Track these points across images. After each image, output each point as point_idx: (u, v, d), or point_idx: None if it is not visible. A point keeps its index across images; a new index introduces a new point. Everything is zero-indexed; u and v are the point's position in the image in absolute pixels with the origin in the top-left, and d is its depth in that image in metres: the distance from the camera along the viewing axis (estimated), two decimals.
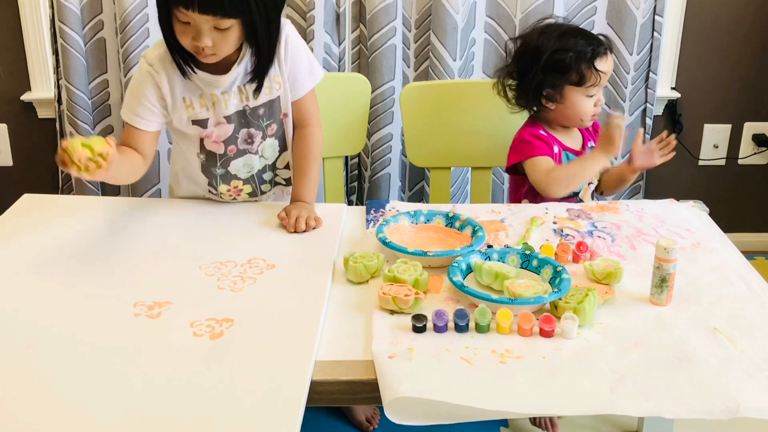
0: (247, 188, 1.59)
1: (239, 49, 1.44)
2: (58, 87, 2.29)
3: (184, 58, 1.43)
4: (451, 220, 1.46)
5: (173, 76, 1.45)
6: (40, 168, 2.51)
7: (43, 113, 2.45)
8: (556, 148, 1.72)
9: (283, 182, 1.63)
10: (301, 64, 1.52)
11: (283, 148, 1.59)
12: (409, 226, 1.47)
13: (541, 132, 1.73)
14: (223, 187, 1.58)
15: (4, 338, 1.11)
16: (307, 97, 1.56)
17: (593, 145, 1.77)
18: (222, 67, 1.45)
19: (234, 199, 1.61)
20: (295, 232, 1.45)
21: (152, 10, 2.19)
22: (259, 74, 1.46)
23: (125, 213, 1.54)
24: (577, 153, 1.75)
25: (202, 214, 1.54)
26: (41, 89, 2.42)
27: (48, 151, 2.46)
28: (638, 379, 1.03)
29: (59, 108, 2.32)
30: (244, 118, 1.50)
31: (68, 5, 2.16)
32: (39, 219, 1.50)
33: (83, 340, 1.11)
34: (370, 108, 2.19)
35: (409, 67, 2.31)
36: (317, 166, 1.58)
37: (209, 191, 1.61)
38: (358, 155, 2.39)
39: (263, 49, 1.43)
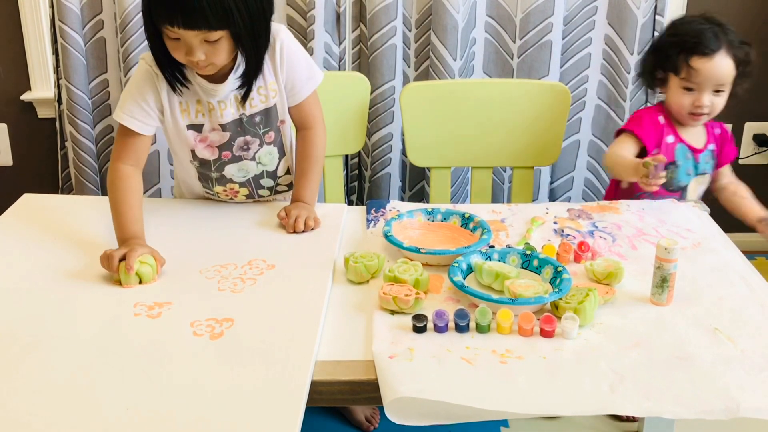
0: (244, 191, 1.59)
1: (234, 59, 1.43)
2: (58, 87, 2.29)
3: (178, 70, 1.42)
4: (466, 221, 1.46)
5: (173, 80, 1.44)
6: (40, 168, 2.51)
7: (43, 113, 2.45)
8: (670, 138, 1.67)
9: (285, 188, 1.63)
10: (299, 69, 1.51)
11: (282, 154, 1.58)
12: (424, 223, 1.47)
13: (659, 117, 1.69)
14: (218, 188, 1.58)
15: (4, 338, 1.11)
16: (308, 100, 1.55)
17: (714, 147, 1.73)
18: (219, 77, 1.45)
19: (231, 199, 1.61)
20: (294, 232, 1.45)
21: None
22: (247, 81, 1.45)
23: None
24: (693, 149, 1.70)
25: (202, 215, 1.54)
26: (41, 89, 2.41)
27: (48, 151, 2.46)
28: (638, 379, 1.03)
29: (59, 108, 2.32)
30: (240, 126, 1.50)
31: (68, 5, 2.16)
32: (39, 219, 1.50)
33: (83, 339, 1.11)
34: (371, 108, 2.20)
35: (409, 66, 2.31)
36: (319, 167, 1.58)
37: (206, 192, 1.61)
38: (358, 155, 2.39)
39: (250, 58, 1.42)
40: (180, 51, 1.35)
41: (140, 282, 1.27)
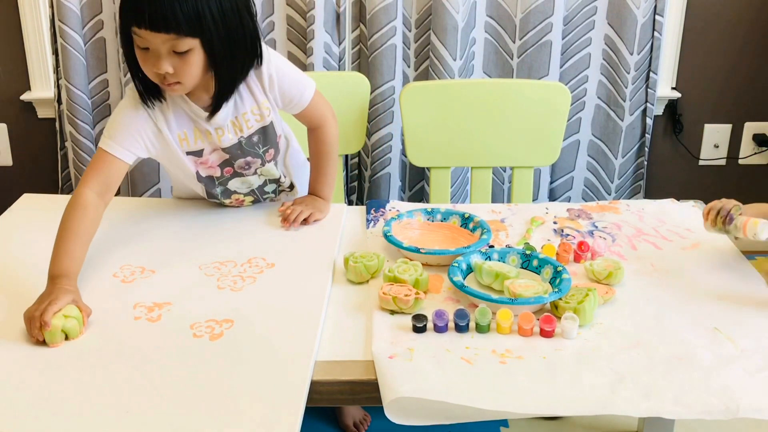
0: (249, 198, 1.57)
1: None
2: (58, 87, 2.29)
3: (157, 93, 1.37)
4: (466, 221, 1.46)
5: (167, 110, 1.40)
6: (40, 168, 2.51)
7: (43, 113, 2.45)
8: None
9: (287, 189, 1.61)
10: (291, 85, 1.46)
11: (283, 166, 1.58)
12: (423, 223, 1.47)
13: None
14: (225, 200, 1.56)
15: (3, 339, 1.11)
16: (311, 105, 1.52)
17: None
18: (213, 106, 1.40)
19: (238, 207, 1.59)
20: (289, 225, 1.46)
21: None
22: (217, 101, 1.39)
23: (124, 213, 1.54)
24: None
25: (202, 214, 1.54)
26: (41, 89, 2.42)
27: (48, 151, 2.46)
28: (638, 379, 1.03)
29: (59, 108, 2.32)
30: (240, 149, 1.46)
31: (68, 5, 2.16)
32: (39, 219, 1.49)
33: (83, 341, 1.11)
34: (370, 108, 2.20)
35: (409, 66, 2.31)
36: (333, 162, 1.57)
37: (212, 201, 1.60)
38: (358, 155, 2.39)
39: (223, 73, 1.33)
40: (149, 63, 1.27)
41: (66, 338, 1.11)
